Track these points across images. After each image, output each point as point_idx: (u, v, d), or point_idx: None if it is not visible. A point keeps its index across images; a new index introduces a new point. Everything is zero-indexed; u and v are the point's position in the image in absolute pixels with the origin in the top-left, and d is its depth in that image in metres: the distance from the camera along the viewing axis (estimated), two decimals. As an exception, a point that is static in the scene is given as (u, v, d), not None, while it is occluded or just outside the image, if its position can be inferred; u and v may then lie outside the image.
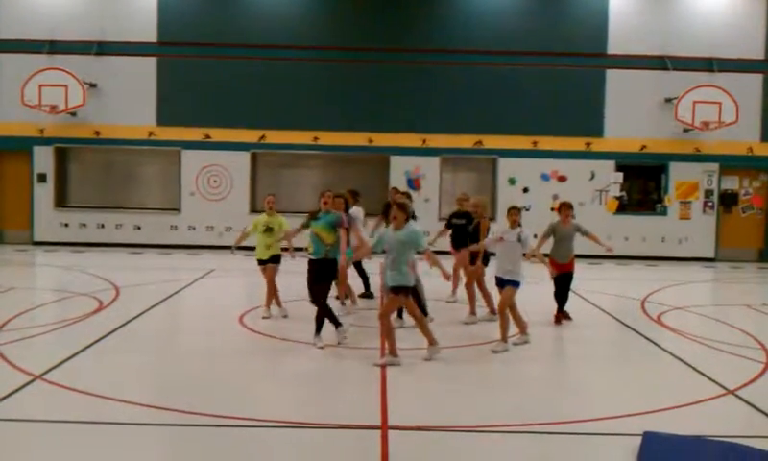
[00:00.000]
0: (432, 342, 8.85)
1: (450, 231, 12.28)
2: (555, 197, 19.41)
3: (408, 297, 8.78)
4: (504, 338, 9.46)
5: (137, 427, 6.45)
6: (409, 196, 12.04)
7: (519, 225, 9.71)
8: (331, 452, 6.04)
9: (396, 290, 8.59)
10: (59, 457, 5.79)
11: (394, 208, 8.66)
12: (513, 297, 9.59)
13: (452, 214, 12.51)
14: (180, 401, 6.97)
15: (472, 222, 11.57)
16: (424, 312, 10.37)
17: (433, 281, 10.97)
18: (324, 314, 9.38)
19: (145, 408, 6.87)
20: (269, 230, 11.04)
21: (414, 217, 9.46)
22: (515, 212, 9.77)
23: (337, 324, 9.51)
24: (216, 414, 6.62)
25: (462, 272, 12.00)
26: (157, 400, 7.09)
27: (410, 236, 8.57)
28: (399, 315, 10.48)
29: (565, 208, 11.19)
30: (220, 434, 6.25)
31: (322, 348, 9.21)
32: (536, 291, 12.38)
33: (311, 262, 9.53)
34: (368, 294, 12.76)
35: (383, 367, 8.35)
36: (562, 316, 11.31)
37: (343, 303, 11.52)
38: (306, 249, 9.71)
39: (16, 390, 7.20)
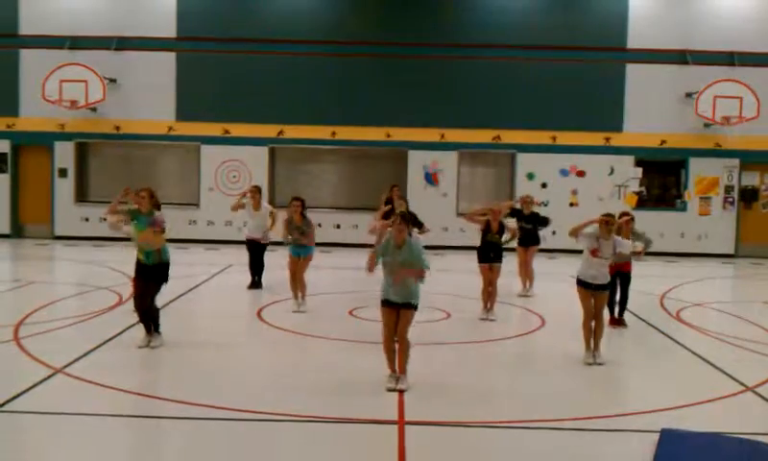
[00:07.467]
0: (404, 371, 7.55)
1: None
2: (574, 192, 19.42)
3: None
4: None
5: (158, 420, 6.52)
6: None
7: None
8: (348, 447, 6.07)
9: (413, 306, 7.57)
10: (80, 450, 5.85)
11: (399, 219, 7.39)
12: None
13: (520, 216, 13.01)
14: (198, 395, 7.02)
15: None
16: None
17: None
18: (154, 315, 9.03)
19: (165, 402, 6.94)
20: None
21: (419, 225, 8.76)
22: (613, 221, 8.79)
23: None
24: (234, 408, 6.66)
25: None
26: (177, 394, 7.14)
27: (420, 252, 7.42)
28: None
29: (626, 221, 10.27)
30: (238, 427, 6.29)
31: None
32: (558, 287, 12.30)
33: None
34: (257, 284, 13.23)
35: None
36: (618, 322, 10.57)
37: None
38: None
39: (38, 383, 7.29)
